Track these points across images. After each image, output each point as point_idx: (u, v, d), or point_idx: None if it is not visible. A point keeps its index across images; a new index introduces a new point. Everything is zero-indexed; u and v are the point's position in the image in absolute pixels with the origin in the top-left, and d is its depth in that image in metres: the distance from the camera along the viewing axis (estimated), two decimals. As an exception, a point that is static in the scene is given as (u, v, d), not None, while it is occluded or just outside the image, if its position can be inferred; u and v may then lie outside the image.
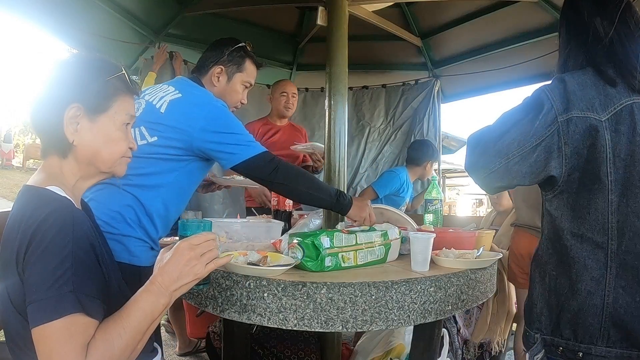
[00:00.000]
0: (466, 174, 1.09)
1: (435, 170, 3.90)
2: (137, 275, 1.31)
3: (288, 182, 1.50)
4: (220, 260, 0.91)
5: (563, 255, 0.96)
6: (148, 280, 0.86)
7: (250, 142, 1.48)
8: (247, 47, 1.66)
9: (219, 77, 1.61)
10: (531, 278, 1.05)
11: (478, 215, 9.59)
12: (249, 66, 1.66)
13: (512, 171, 0.95)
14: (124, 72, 0.98)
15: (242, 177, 1.80)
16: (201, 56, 1.66)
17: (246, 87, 1.69)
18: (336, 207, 1.57)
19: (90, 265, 0.83)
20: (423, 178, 3.33)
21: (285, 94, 2.93)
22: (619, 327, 0.90)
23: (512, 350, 2.54)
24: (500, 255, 1.44)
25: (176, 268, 0.85)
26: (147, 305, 0.83)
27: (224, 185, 1.86)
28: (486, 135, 1.01)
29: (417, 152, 3.20)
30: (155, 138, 1.42)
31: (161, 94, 1.50)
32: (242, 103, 1.70)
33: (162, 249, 0.92)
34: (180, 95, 1.47)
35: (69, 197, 0.89)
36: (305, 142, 3.11)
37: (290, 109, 2.97)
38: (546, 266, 1.00)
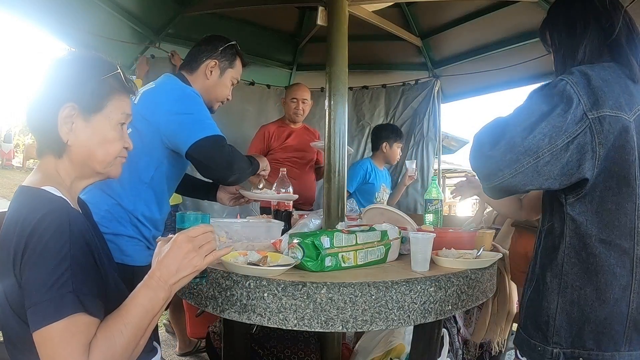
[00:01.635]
0: (466, 174, 1.04)
1: (435, 170, 3.92)
2: (130, 275, 1.31)
3: (239, 172, 1.52)
4: (218, 252, 0.90)
5: (589, 264, 0.90)
6: (147, 275, 0.85)
7: (206, 125, 1.44)
8: (237, 46, 1.72)
9: (212, 71, 1.65)
10: (546, 289, 0.98)
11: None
12: (239, 64, 1.73)
13: (542, 173, 0.86)
14: (119, 70, 0.97)
15: (272, 192, 1.84)
16: (190, 51, 1.70)
17: (233, 84, 1.74)
18: (254, 170, 1.66)
19: (87, 265, 0.83)
20: (392, 161, 3.31)
21: (295, 100, 2.99)
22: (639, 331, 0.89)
23: (513, 350, 2.54)
24: (500, 255, 1.44)
25: (174, 261, 0.84)
26: (147, 301, 0.83)
27: (252, 199, 1.86)
28: (510, 128, 0.88)
29: (373, 137, 3.31)
30: (129, 130, 1.42)
31: (141, 89, 1.54)
32: (227, 99, 1.74)
33: (160, 242, 0.91)
34: (153, 86, 1.53)
35: (64, 197, 0.88)
36: None
37: (300, 114, 3.03)
38: (567, 277, 0.93)
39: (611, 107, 0.85)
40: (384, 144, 3.22)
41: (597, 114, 0.84)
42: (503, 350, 2.42)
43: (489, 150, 0.90)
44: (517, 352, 1.06)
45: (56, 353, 0.74)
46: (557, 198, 0.96)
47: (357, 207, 2.09)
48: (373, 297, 1.09)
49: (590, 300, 0.91)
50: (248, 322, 1.12)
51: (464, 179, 1.87)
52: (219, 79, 1.67)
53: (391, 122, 4.00)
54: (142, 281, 0.85)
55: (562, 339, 0.93)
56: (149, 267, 0.91)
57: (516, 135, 0.86)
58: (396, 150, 3.19)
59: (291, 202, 1.99)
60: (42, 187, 0.87)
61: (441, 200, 1.92)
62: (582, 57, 0.96)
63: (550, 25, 1.05)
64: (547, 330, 0.96)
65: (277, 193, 1.89)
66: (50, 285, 0.76)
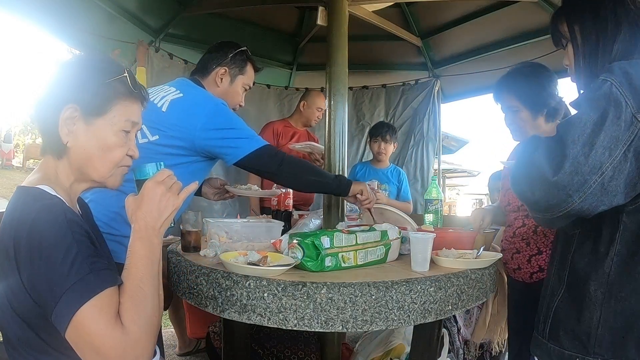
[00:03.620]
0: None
1: (435, 170, 3.93)
2: None
3: (295, 172, 1.56)
4: (189, 187, 0.95)
5: (637, 274, 0.88)
6: (132, 230, 0.88)
7: (253, 136, 1.51)
8: (248, 52, 1.71)
9: (222, 78, 1.66)
10: (589, 299, 0.94)
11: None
12: (250, 70, 1.72)
13: (609, 190, 0.78)
14: (125, 74, 0.94)
15: (257, 187, 1.86)
16: (202, 58, 1.70)
17: (245, 90, 1.74)
18: (340, 188, 1.63)
19: (90, 244, 0.84)
20: (376, 157, 3.20)
21: (320, 109, 3.05)
22: None
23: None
24: (500, 255, 1.44)
25: (153, 207, 0.88)
26: (147, 251, 0.86)
27: (237, 194, 1.87)
28: (570, 145, 0.79)
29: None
30: (157, 137, 1.44)
31: (162, 93, 1.52)
32: (240, 105, 1.74)
33: (126, 197, 0.92)
34: (181, 95, 1.50)
35: (59, 196, 0.88)
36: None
37: (317, 123, 3.14)
38: (613, 287, 0.90)
39: None
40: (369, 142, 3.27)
41: None
42: (503, 350, 2.42)
43: (553, 176, 0.80)
44: None
45: (92, 334, 0.75)
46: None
47: (357, 207, 2.09)
48: (373, 297, 1.09)
49: (635, 309, 0.89)
50: (248, 322, 1.11)
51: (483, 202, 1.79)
52: (229, 86, 1.67)
53: (391, 122, 4.01)
54: (131, 237, 0.87)
55: (603, 350, 0.91)
56: None
57: (578, 153, 0.78)
58: (373, 146, 3.17)
59: (291, 203, 1.99)
60: (37, 186, 0.88)
61: (441, 200, 1.92)
62: (615, 54, 0.92)
63: (572, 17, 1.00)
64: (588, 342, 0.93)
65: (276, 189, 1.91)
66: (66, 275, 0.76)
